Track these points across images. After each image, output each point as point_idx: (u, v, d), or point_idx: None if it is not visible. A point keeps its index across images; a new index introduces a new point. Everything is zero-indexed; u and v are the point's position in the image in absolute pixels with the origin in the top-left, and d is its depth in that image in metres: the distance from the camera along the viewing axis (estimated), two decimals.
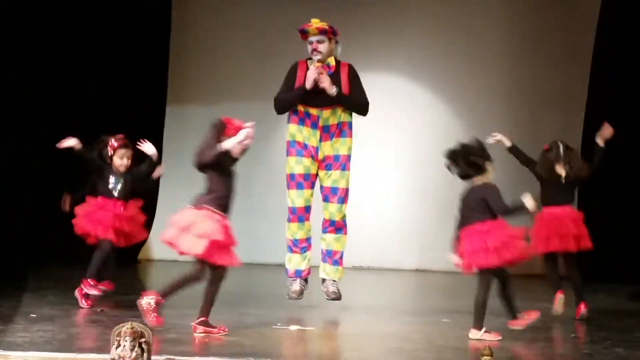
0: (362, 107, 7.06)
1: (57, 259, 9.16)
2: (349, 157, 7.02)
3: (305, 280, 7.07)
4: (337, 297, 6.99)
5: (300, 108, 6.99)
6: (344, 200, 6.97)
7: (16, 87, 8.91)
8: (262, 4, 11.24)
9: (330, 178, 6.94)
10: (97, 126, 10.19)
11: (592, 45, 10.45)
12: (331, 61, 7.07)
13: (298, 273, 7.03)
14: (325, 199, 6.97)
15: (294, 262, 7.03)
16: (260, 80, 11.11)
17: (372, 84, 11.08)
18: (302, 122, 6.98)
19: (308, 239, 7.06)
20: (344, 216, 7.01)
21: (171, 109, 11.10)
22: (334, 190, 6.94)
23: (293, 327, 6.01)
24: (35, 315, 6.12)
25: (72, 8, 9.88)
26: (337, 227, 6.99)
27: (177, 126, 11.08)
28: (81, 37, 10.02)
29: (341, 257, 7.06)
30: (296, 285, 7.01)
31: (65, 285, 7.71)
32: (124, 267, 9.77)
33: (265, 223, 10.45)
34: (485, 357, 4.19)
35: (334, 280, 7.02)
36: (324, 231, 7.01)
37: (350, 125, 7.08)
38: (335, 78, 6.96)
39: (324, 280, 7.05)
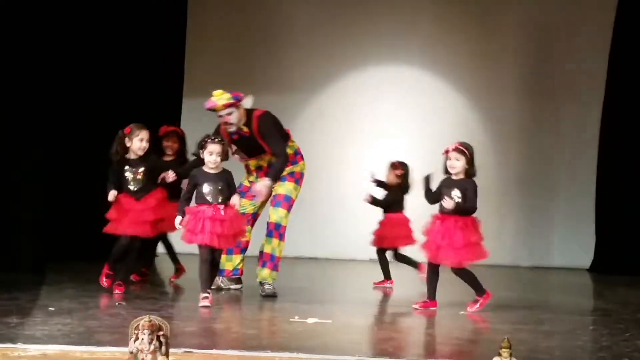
0: (283, 162, 7.22)
1: (75, 252, 9.18)
2: (285, 196, 7.29)
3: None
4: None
5: (236, 155, 7.39)
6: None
7: (34, 81, 8.93)
8: None
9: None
10: (114, 118, 10.25)
11: (611, 38, 10.38)
12: (243, 127, 7.21)
13: (235, 272, 7.53)
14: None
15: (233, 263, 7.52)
16: (277, 73, 11.14)
17: (386, 76, 11.18)
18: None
19: (248, 242, 7.51)
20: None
21: (188, 102, 11.11)
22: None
23: (311, 320, 6.00)
24: (53, 309, 6.13)
25: (90, 1, 9.89)
26: None
27: (193, 119, 11.08)
28: (99, 30, 10.02)
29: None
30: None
31: (84, 279, 7.74)
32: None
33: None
34: (503, 350, 4.18)
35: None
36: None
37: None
38: (251, 138, 7.21)
39: None
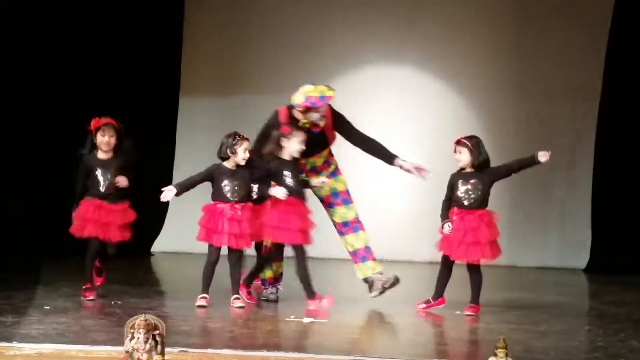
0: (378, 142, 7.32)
1: (71, 251, 9.18)
2: (347, 191, 7.23)
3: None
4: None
5: None
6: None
7: (33, 80, 8.95)
8: None
9: (337, 214, 7.17)
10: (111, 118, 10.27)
11: (607, 36, 10.38)
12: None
13: (277, 278, 7.17)
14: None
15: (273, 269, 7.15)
16: (273, 72, 11.12)
17: (382, 75, 11.16)
18: None
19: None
20: None
21: (184, 101, 11.10)
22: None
23: (306, 320, 6.01)
24: (49, 308, 6.13)
25: (86, 1, 9.88)
26: None
27: (190, 118, 11.09)
28: (97, 30, 10.02)
29: None
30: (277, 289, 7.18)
31: (79, 277, 7.73)
32: (138, 259, 9.81)
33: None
34: (499, 350, 4.18)
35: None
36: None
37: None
38: (321, 133, 7.04)
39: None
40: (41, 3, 9.05)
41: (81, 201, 6.86)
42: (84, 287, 6.75)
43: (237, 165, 6.62)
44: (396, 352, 5.06)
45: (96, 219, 6.77)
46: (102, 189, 6.84)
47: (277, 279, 7.09)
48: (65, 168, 9.51)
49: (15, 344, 4.75)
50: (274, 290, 7.04)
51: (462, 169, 6.78)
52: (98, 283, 7.07)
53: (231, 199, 6.56)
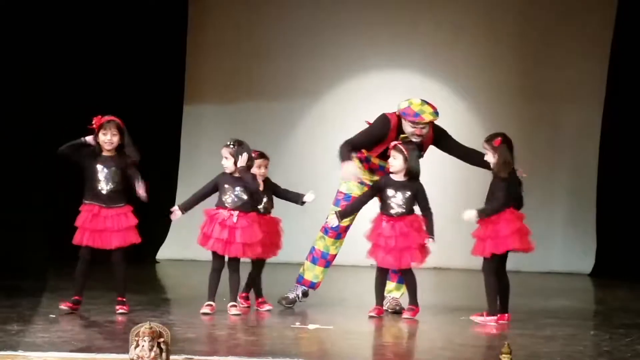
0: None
1: (76, 258, 9.19)
2: None
3: (306, 294, 7.13)
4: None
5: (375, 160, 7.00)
6: None
7: (34, 83, 8.97)
8: (277, 3, 11.25)
9: None
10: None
11: (611, 40, 10.39)
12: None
13: (312, 285, 7.10)
14: None
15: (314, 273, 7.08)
16: (276, 78, 11.14)
17: (386, 81, 11.15)
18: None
19: (335, 256, 7.11)
20: None
21: (188, 108, 11.11)
22: None
23: (312, 326, 6.01)
24: (54, 316, 6.14)
25: (90, 7, 9.91)
26: None
27: (194, 125, 11.10)
28: (99, 36, 10.05)
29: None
30: (297, 295, 7.10)
31: (85, 286, 7.74)
32: (143, 267, 9.81)
33: (285, 222, 10.42)
34: (504, 355, 4.18)
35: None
36: None
37: None
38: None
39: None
40: (45, 8, 9.07)
41: (81, 206, 6.53)
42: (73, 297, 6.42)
43: (239, 174, 6.60)
44: (401, 358, 5.05)
45: (93, 228, 6.47)
46: (100, 188, 6.49)
47: None
48: (69, 173, 9.56)
49: (20, 353, 4.75)
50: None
51: (391, 172, 6.63)
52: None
53: (228, 206, 6.54)
